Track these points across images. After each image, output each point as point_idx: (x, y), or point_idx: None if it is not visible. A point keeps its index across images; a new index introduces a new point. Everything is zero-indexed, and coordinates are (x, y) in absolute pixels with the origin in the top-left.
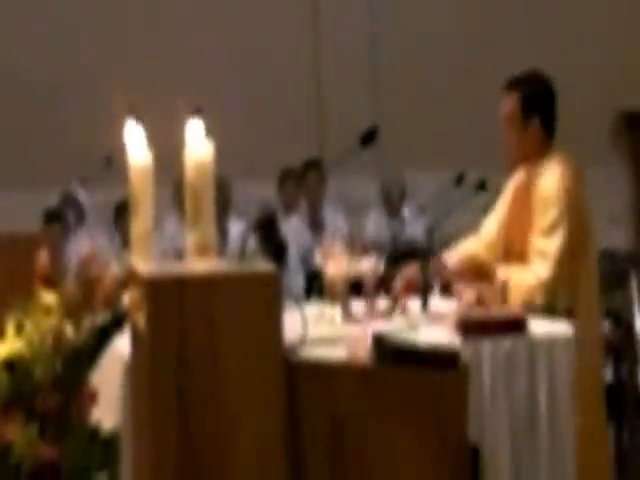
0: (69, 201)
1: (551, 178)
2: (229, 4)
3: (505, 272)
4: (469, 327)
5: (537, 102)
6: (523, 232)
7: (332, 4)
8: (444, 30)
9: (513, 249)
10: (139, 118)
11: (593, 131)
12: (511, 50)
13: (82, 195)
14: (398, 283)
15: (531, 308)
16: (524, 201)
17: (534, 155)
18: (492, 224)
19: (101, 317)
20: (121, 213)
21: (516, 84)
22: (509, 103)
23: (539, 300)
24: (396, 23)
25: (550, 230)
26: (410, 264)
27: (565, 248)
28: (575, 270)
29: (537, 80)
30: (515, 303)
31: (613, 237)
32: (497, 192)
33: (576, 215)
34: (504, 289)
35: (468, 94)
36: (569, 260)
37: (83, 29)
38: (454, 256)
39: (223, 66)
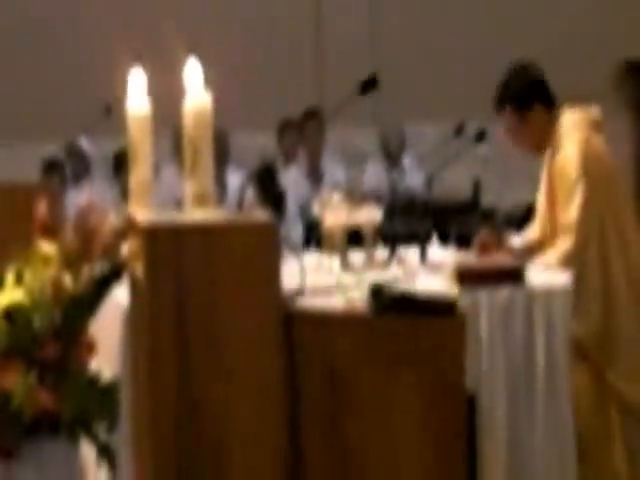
0: (73, 151)
1: (568, 145)
2: None
3: (543, 260)
4: (467, 276)
5: (526, 99)
6: (559, 208)
7: None
8: None
9: (558, 226)
10: (140, 65)
11: (596, 80)
12: (515, 9)
13: (85, 145)
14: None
15: None
16: (551, 179)
17: (548, 136)
18: (540, 205)
19: (100, 267)
20: (120, 163)
21: (501, 100)
22: (505, 119)
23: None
24: None
25: (567, 202)
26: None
27: (584, 213)
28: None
29: (515, 82)
30: None
31: None
32: (496, 142)
33: (593, 177)
34: None
35: (468, 44)
36: (592, 222)
37: None
38: (518, 240)
39: (223, 15)
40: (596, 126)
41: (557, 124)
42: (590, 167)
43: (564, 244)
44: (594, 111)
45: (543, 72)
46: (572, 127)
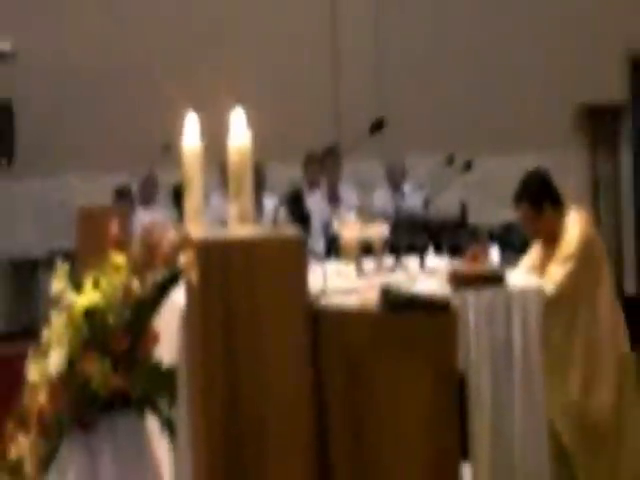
0: (148, 181)
1: (571, 228)
2: (263, 22)
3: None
4: (458, 280)
5: (539, 199)
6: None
7: (346, 25)
8: (440, 42)
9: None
10: (193, 111)
11: (559, 121)
12: (493, 58)
13: (158, 177)
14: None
15: None
16: (550, 251)
17: (555, 227)
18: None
19: (161, 274)
20: (178, 191)
21: (519, 197)
22: (522, 212)
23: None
24: (399, 38)
25: (562, 262)
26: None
27: (572, 277)
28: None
29: (529, 181)
30: None
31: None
32: (480, 171)
33: (589, 258)
34: None
35: (456, 94)
36: (574, 283)
37: (151, 39)
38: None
39: (261, 72)
40: (591, 221)
41: (564, 220)
42: (583, 245)
43: (549, 287)
44: (588, 211)
45: (551, 177)
46: (575, 217)
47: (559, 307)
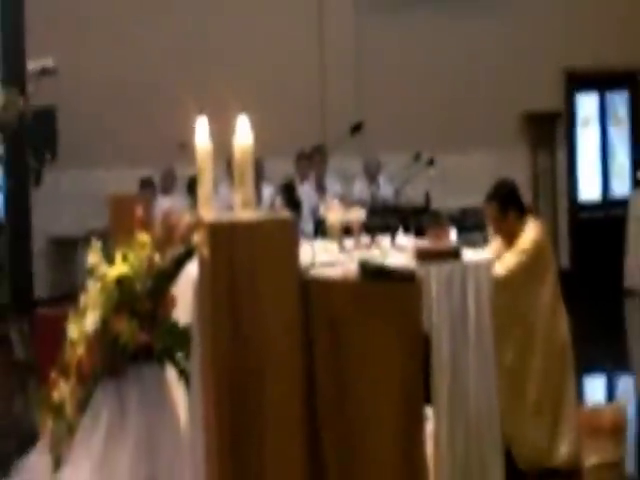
0: (168, 173)
1: (526, 234)
2: (261, 42)
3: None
4: (422, 255)
5: (508, 202)
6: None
7: (331, 45)
8: (411, 60)
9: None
10: (204, 115)
11: (506, 125)
12: (453, 73)
13: (176, 170)
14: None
15: None
16: (508, 249)
17: (516, 230)
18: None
19: (178, 250)
20: (192, 182)
21: (490, 197)
22: (490, 211)
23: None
24: (376, 56)
25: (515, 254)
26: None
27: (520, 267)
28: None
29: (501, 187)
30: None
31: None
32: (442, 166)
33: (537, 258)
34: None
35: (425, 101)
36: (522, 275)
37: (173, 62)
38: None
39: (259, 83)
40: (545, 230)
41: (524, 222)
42: (536, 247)
43: (500, 270)
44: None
45: (519, 189)
46: (531, 227)
47: (504, 289)
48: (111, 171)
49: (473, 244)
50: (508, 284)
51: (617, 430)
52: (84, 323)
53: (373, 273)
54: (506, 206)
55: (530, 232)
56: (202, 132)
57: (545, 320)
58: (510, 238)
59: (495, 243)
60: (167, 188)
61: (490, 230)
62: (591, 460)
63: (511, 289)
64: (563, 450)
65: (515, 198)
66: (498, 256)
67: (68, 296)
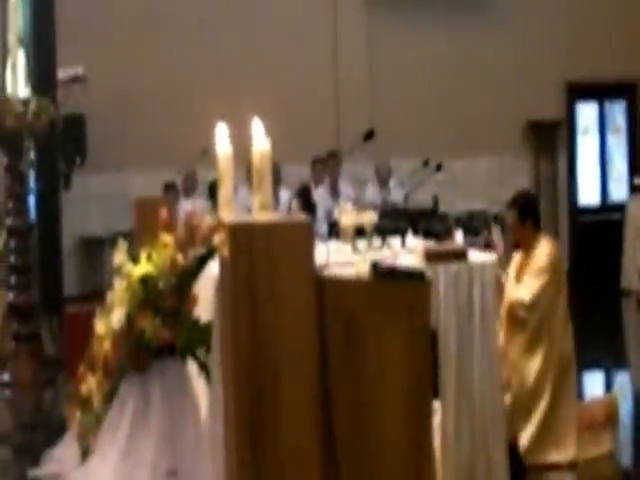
0: (189, 177)
1: (542, 251)
2: (280, 55)
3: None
4: (430, 256)
5: (527, 212)
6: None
7: (345, 58)
8: (421, 71)
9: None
10: (224, 122)
11: (511, 133)
12: (461, 84)
13: (198, 174)
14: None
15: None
16: (524, 263)
17: (529, 241)
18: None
19: (200, 250)
20: (213, 186)
21: (513, 204)
22: (511, 217)
23: (521, 314)
24: (387, 67)
25: (535, 276)
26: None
27: (543, 288)
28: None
29: (523, 197)
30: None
31: None
32: (449, 171)
33: (554, 273)
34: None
35: (433, 110)
36: (546, 294)
37: (196, 71)
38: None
39: (278, 93)
40: (557, 245)
41: (538, 236)
42: (554, 267)
43: (526, 296)
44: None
45: (538, 203)
46: (548, 240)
47: (533, 311)
48: (137, 175)
49: (478, 246)
50: (536, 306)
51: (610, 423)
52: (110, 320)
53: (383, 273)
54: (524, 215)
55: (544, 248)
56: (222, 138)
57: (561, 328)
58: (523, 247)
59: (514, 261)
60: (189, 191)
61: (496, 234)
62: (586, 453)
63: (539, 309)
64: (562, 446)
65: (533, 210)
66: (517, 273)
67: (96, 294)
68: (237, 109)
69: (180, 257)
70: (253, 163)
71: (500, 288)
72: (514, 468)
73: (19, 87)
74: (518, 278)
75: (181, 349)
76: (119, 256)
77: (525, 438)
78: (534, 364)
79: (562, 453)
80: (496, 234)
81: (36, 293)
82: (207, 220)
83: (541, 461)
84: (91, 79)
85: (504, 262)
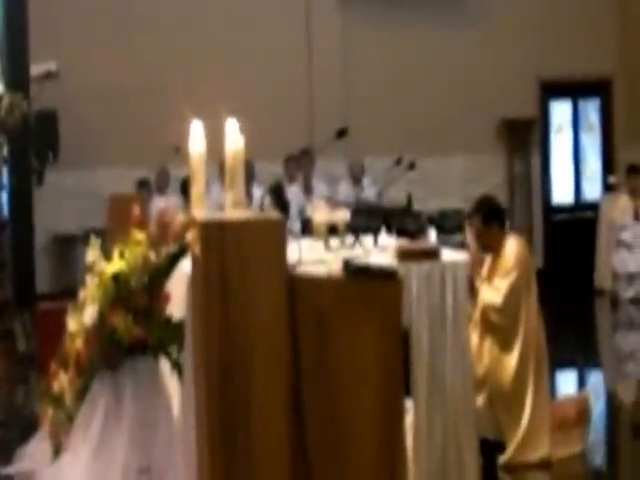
0: (162, 174)
1: (509, 250)
2: (253, 53)
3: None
4: (403, 254)
5: (492, 217)
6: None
7: (319, 57)
8: (394, 69)
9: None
10: (198, 120)
11: (485, 132)
12: (434, 82)
13: (170, 171)
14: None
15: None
16: (495, 265)
17: (495, 244)
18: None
19: (172, 248)
20: (186, 183)
21: (477, 210)
22: (475, 224)
23: (493, 318)
24: (361, 66)
25: (504, 275)
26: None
27: (512, 287)
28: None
29: (487, 202)
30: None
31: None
32: (422, 170)
33: (523, 271)
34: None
35: (406, 108)
36: (516, 294)
37: (170, 68)
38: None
39: (251, 91)
40: (526, 244)
41: (504, 237)
42: (523, 267)
43: (497, 300)
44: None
45: (501, 205)
46: (514, 242)
47: (505, 313)
48: (110, 172)
49: (452, 245)
50: (507, 308)
51: (582, 421)
52: (83, 317)
53: (355, 271)
54: (488, 220)
55: (512, 247)
56: (195, 135)
57: (534, 326)
58: (491, 250)
59: (486, 262)
60: (162, 188)
61: (468, 237)
62: (559, 452)
63: (511, 310)
64: (536, 445)
65: (497, 214)
66: (489, 275)
67: (68, 291)
68: (211, 107)
69: (152, 254)
70: (226, 161)
71: (473, 292)
72: (486, 466)
73: None
74: (490, 280)
75: (153, 347)
76: (92, 253)
77: (511, 437)
78: (510, 364)
79: (535, 452)
80: (469, 234)
81: (9, 290)
82: (180, 217)
83: (516, 460)
84: (64, 75)
85: (477, 263)
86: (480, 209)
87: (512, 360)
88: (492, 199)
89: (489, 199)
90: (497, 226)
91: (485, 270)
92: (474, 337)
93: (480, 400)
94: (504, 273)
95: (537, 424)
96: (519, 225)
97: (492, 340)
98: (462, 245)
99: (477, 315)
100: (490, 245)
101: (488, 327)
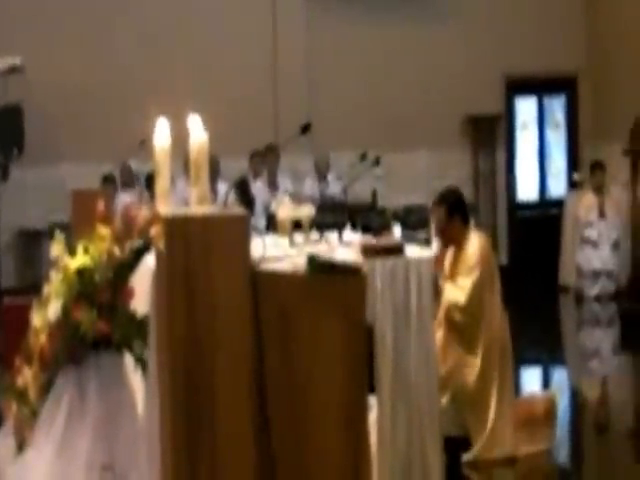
0: (125, 169)
1: (471, 246)
2: (219, 51)
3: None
4: (367, 251)
5: (455, 209)
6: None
7: (284, 54)
8: (359, 64)
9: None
10: (163, 115)
11: (450, 128)
12: (400, 78)
13: (133, 166)
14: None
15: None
16: (456, 260)
17: (458, 237)
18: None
19: (137, 243)
20: (151, 178)
21: (441, 200)
22: (439, 212)
23: (457, 317)
24: (325, 61)
25: (467, 274)
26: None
27: (475, 285)
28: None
29: (452, 194)
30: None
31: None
32: (387, 165)
33: (486, 266)
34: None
35: (371, 103)
36: (479, 292)
37: (135, 65)
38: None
39: (217, 87)
40: (488, 240)
41: (466, 232)
42: (483, 261)
43: (461, 299)
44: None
45: (465, 199)
46: (477, 236)
47: (469, 310)
48: (75, 167)
49: (416, 241)
50: (470, 307)
51: (549, 419)
52: (47, 312)
53: (319, 267)
54: (452, 212)
55: (474, 243)
56: (160, 130)
57: (498, 323)
58: (451, 243)
59: (447, 257)
60: (126, 183)
61: (433, 230)
62: (524, 449)
63: (475, 308)
64: (501, 443)
65: (461, 207)
66: (451, 270)
67: (33, 286)
68: (176, 102)
69: (117, 249)
70: (191, 155)
71: (438, 290)
72: (450, 464)
73: None
74: (452, 276)
75: (117, 342)
76: (56, 248)
77: (476, 435)
78: (475, 363)
79: (501, 449)
80: (433, 230)
81: None
82: (144, 213)
83: (481, 457)
84: (29, 70)
85: (440, 261)
86: (445, 200)
87: (476, 359)
88: (457, 191)
89: (454, 191)
90: (461, 219)
91: (447, 265)
92: (438, 336)
93: (444, 399)
94: (467, 270)
95: (502, 422)
96: (484, 221)
97: (456, 339)
98: (428, 241)
99: (441, 314)
100: (452, 238)
101: (452, 326)
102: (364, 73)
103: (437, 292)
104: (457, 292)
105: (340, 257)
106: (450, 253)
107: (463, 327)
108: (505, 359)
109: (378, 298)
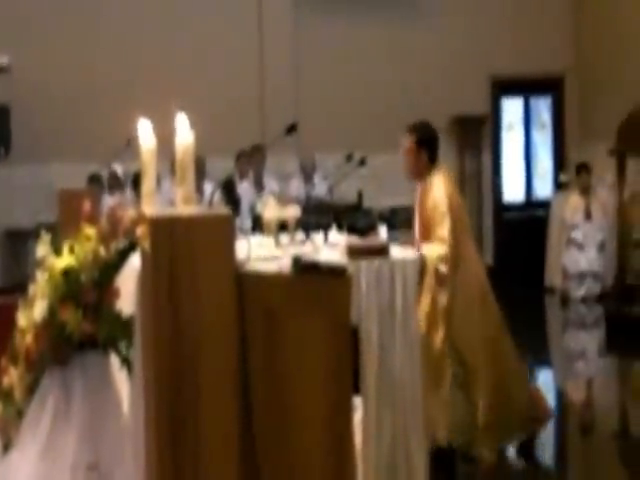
0: (111, 173)
1: (436, 189)
2: (207, 53)
3: (424, 248)
4: (353, 251)
5: (425, 142)
6: (426, 223)
7: (270, 54)
8: (345, 66)
9: (426, 232)
10: (149, 115)
11: (436, 128)
12: (386, 78)
13: (118, 169)
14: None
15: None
16: (423, 205)
17: (423, 174)
18: (416, 222)
19: (122, 243)
20: (136, 178)
21: (413, 130)
22: (408, 142)
23: (443, 269)
24: (312, 61)
25: (440, 224)
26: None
27: (451, 231)
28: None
29: (425, 127)
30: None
31: None
32: (373, 166)
33: (454, 210)
34: (422, 259)
35: (357, 104)
36: (455, 237)
37: (121, 65)
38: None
39: (203, 88)
40: (452, 179)
41: (431, 170)
42: (452, 204)
43: (443, 249)
44: (450, 172)
45: (439, 141)
46: (442, 175)
47: (453, 259)
48: (62, 166)
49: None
50: (452, 254)
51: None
52: (32, 312)
53: (304, 268)
54: (421, 143)
55: (438, 189)
56: (146, 130)
57: (475, 265)
58: (416, 178)
59: (415, 195)
60: (112, 187)
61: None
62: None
63: (456, 254)
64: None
65: (431, 143)
66: (420, 207)
67: (20, 286)
68: (162, 102)
69: (102, 250)
70: (176, 156)
71: (440, 280)
72: (438, 465)
73: None
74: (421, 214)
75: (103, 343)
76: (42, 248)
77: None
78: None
79: (487, 446)
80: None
81: None
82: (130, 213)
83: (470, 453)
84: (16, 69)
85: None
86: (417, 130)
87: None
88: (430, 126)
89: (427, 124)
90: (427, 155)
91: (416, 207)
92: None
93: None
94: (439, 220)
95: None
96: (470, 223)
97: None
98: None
99: (426, 303)
100: (415, 170)
101: (440, 281)
102: (351, 74)
103: (439, 281)
104: (438, 246)
105: (325, 258)
106: (417, 191)
107: (447, 280)
108: (486, 305)
109: (363, 299)
